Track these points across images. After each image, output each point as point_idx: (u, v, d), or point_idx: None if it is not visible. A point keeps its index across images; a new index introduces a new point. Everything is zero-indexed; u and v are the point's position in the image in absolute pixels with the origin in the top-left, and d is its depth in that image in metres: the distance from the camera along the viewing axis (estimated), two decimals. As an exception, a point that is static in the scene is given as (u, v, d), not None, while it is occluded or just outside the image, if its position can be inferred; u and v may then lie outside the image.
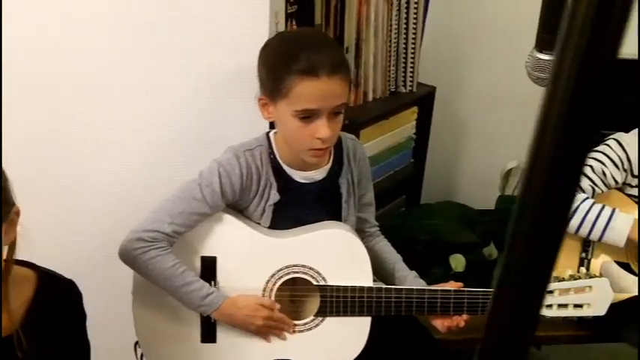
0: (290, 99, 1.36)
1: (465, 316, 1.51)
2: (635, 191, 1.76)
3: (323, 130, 1.37)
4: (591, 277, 1.51)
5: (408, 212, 2.39)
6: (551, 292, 1.50)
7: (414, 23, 2.17)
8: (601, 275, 1.53)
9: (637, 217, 1.71)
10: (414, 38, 2.20)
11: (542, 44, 1.33)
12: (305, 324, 1.52)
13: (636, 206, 1.75)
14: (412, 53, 2.22)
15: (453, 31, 2.52)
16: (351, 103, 2.12)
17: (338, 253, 1.49)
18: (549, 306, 1.51)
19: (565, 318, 1.54)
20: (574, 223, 1.67)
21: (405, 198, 2.48)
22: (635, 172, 1.75)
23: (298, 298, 1.54)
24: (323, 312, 1.50)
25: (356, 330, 1.52)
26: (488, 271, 2.08)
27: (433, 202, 2.55)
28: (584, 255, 1.75)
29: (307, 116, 1.37)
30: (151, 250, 1.38)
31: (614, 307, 1.65)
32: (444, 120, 2.63)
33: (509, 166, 2.28)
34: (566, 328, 1.93)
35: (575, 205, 1.66)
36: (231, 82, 1.65)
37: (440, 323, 1.54)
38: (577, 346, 2.33)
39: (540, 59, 1.33)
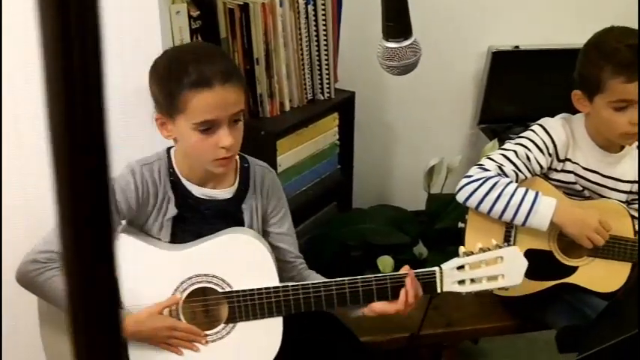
0: (187, 113, 1.38)
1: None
2: (560, 175, 1.78)
3: (225, 139, 1.39)
4: (500, 247, 1.51)
5: (338, 218, 2.39)
6: (462, 267, 1.50)
7: (324, 31, 2.20)
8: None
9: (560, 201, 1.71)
10: (325, 45, 2.22)
11: (388, 33, 1.35)
12: (217, 333, 1.52)
13: (557, 193, 1.76)
14: (326, 60, 2.24)
15: (369, 34, 2.53)
16: (268, 114, 2.13)
17: (239, 258, 1.50)
18: (462, 282, 1.51)
19: (481, 292, 1.53)
20: (498, 207, 1.68)
21: (336, 204, 2.49)
22: (561, 157, 1.76)
23: (208, 308, 1.53)
24: (233, 318, 1.50)
25: (269, 332, 1.52)
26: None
27: (366, 207, 2.57)
28: (506, 244, 1.74)
29: (207, 128, 1.39)
30: (46, 271, 1.38)
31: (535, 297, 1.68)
32: (369, 123, 2.66)
33: (431, 164, 2.30)
34: (498, 319, 1.94)
35: (499, 189, 1.67)
36: (124, 102, 1.66)
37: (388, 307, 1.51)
38: (522, 338, 2.36)
39: (388, 48, 1.35)
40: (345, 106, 2.36)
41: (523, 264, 1.53)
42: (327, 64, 2.25)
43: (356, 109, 2.49)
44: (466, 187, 1.70)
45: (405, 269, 1.54)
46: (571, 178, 1.76)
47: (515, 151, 1.73)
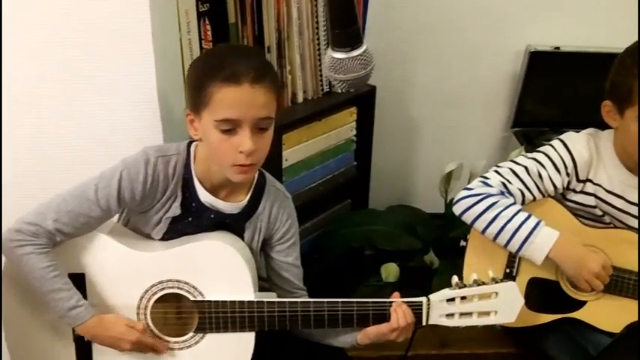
0: (211, 107, 1.31)
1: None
2: (579, 197, 1.62)
3: (246, 142, 1.31)
4: (497, 282, 1.40)
5: (348, 217, 2.28)
6: (452, 299, 1.40)
7: (344, 20, 2.06)
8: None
9: (566, 231, 1.56)
10: (345, 36, 2.09)
11: (334, 41, 1.21)
12: (184, 341, 1.45)
13: (570, 219, 1.60)
14: (345, 51, 2.11)
15: (397, 27, 2.41)
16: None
17: (213, 266, 1.42)
18: (450, 315, 1.41)
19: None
20: (492, 229, 1.54)
21: (351, 202, 2.38)
22: (582, 177, 1.60)
23: (177, 315, 1.46)
24: (202, 328, 1.43)
25: (239, 346, 1.44)
26: (426, 280, 1.97)
27: (383, 207, 2.45)
28: (508, 271, 1.61)
29: (229, 128, 1.31)
30: (27, 245, 1.33)
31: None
32: (392, 120, 2.53)
33: (448, 169, 2.16)
34: (498, 345, 1.81)
35: (497, 210, 1.53)
36: (111, 86, 1.60)
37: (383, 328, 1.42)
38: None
39: (334, 58, 1.21)
40: (364, 100, 2.23)
41: (519, 301, 1.41)
42: (345, 56, 2.12)
43: (378, 104, 2.36)
44: (463, 200, 1.56)
45: (394, 296, 1.44)
46: (591, 201, 1.60)
47: (526, 167, 1.58)
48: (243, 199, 1.47)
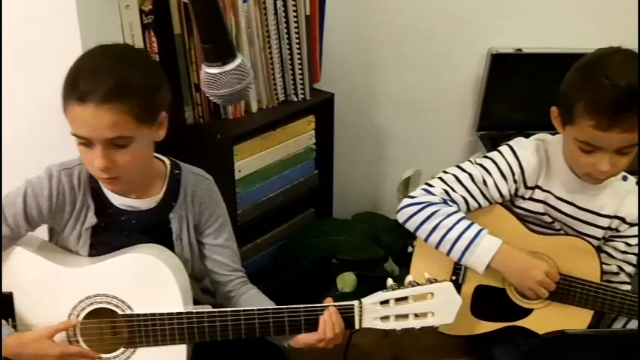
0: (69, 121, 1.30)
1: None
2: (528, 204, 1.58)
3: (97, 160, 1.29)
4: (432, 282, 1.37)
5: (311, 227, 2.25)
6: (386, 302, 1.37)
7: (296, 28, 2.04)
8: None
9: (513, 238, 1.53)
10: (298, 44, 2.07)
11: (206, 56, 1.17)
12: (116, 357, 1.43)
13: (518, 225, 1.57)
14: (299, 60, 2.09)
15: (360, 34, 2.38)
16: (230, 115, 2.01)
17: (140, 279, 1.40)
18: (385, 318, 1.38)
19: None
20: (434, 239, 1.51)
21: (314, 211, 2.35)
22: (530, 184, 1.56)
23: (108, 330, 1.44)
24: (132, 342, 1.41)
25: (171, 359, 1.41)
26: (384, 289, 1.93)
27: (350, 215, 2.42)
28: (454, 278, 1.58)
29: (85, 143, 1.29)
30: None
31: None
32: (359, 127, 2.51)
33: (405, 175, 2.12)
34: (455, 354, 1.77)
35: (437, 219, 1.50)
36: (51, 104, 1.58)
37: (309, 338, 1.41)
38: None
39: (208, 73, 1.17)
40: (322, 108, 2.20)
41: (456, 301, 1.38)
42: (300, 64, 2.10)
43: (342, 112, 2.34)
44: (405, 209, 1.53)
45: (327, 301, 1.41)
46: (540, 208, 1.56)
47: (470, 174, 1.54)
48: (159, 193, 1.45)
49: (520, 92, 2.36)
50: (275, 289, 1.86)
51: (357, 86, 2.46)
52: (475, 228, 1.48)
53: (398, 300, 1.37)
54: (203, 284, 1.65)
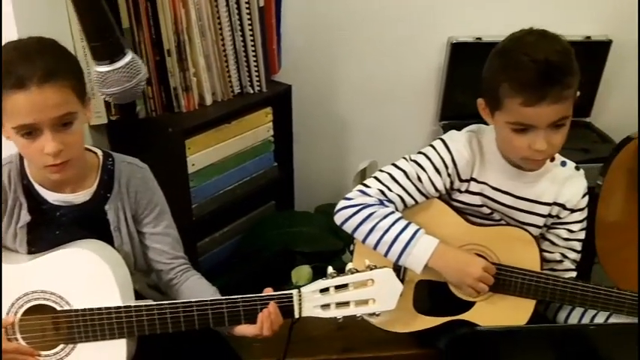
0: (8, 116, 1.28)
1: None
2: (465, 197, 1.56)
3: (48, 145, 1.28)
4: (372, 269, 1.36)
5: (270, 219, 2.24)
6: (326, 289, 1.36)
7: (249, 20, 2.03)
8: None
9: (452, 232, 1.52)
10: (251, 35, 2.05)
11: (94, 55, 1.16)
12: (56, 353, 1.42)
13: (457, 219, 1.55)
14: (253, 52, 2.08)
15: (317, 25, 2.37)
16: (184, 109, 2.00)
17: (78, 274, 1.38)
18: (326, 306, 1.37)
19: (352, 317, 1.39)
20: (371, 240, 1.50)
21: (275, 204, 2.34)
22: (464, 177, 1.54)
23: (47, 327, 1.43)
24: (72, 338, 1.40)
25: (111, 354, 1.40)
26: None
27: (312, 207, 2.42)
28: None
29: (28, 132, 1.28)
30: None
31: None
32: (320, 118, 2.50)
33: (361, 167, 2.11)
34: (407, 346, 1.76)
35: (373, 221, 1.49)
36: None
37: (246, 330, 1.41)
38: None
39: (98, 72, 1.16)
40: (280, 100, 2.19)
41: (397, 287, 1.37)
42: (254, 56, 2.08)
43: (302, 103, 2.34)
44: (342, 211, 1.52)
45: (266, 291, 1.41)
46: (477, 200, 1.55)
47: (405, 171, 1.53)
48: (92, 185, 1.44)
49: (481, 81, 2.34)
50: (234, 283, 1.86)
51: (317, 77, 2.45)
52: (411, 229, 1.47)
53: (338, 287, 1.36)
54: (150, 279, 1.64)
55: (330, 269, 1.39)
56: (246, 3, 2.01)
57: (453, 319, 1.54)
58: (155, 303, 1.40)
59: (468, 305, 1.54)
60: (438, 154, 1.52)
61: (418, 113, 2.51)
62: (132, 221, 1.50)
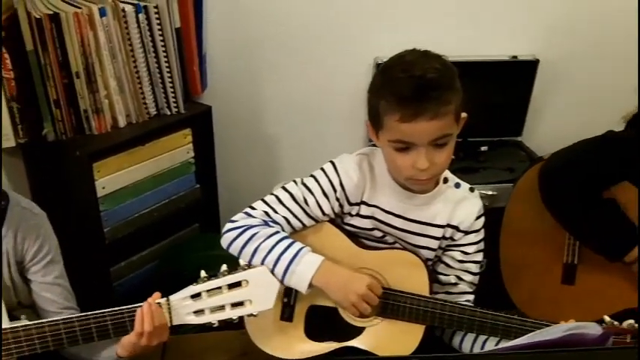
0: None
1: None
2: (356, 221, 1.54)
3: None
4: (244, 269, 1.34)
5: (188, 243, 2.21)
6: (197, 295, 1.34)
7: (162, 41, 2.01)
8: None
9: (342, 256, 1.49)
10: (166, 57, 2.04)
11: None
12: None
13: (346, 242, 1.52)
14: (169, 73, 2.06)
15: (247, 46, 2.37)
16: (95, 131, 1.98)
17: None
18: (199, 312, 1.35)
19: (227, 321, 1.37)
20: (256, 262, 1.47)
21: (199, 226, 2.31)
22: (353, 200, 1.51)
23: None
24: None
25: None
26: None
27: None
28: (286, 300, 1.53)
29: None
30: None
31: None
32: (249, 138, 2.48)
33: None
34: None
35: (257, 242, 1.46)
36: None
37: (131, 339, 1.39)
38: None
39: None
40: (199, 121, 2.17)
41: (274, 285, 1.36)
42: (170, 77, 2.07)
43: (232, 123, 2.35)
44: (227, 234, 1.50)
45: (154, 297, 1.40)
46: (368, 224, 1.53)
47: (291, 194, 1.51)
48: None
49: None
50: None
51: (244, 96, 2.44)
52: (295, 247, 1.45)
53: (211, 291, 1.34)
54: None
55: (202, 273, 1.36)
56: (158, 25, 1.99)
57: (342, 346, 1.51)
58: (21, 325, 1.37)
59: (358, 331, 1.51)
60: (327, 177, 1.51)
61: (350, 132, 2.49)
62: (15, 268, 1.47)
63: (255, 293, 1.34)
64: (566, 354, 1.10)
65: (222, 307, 1.35)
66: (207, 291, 1.34)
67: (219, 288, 1.33)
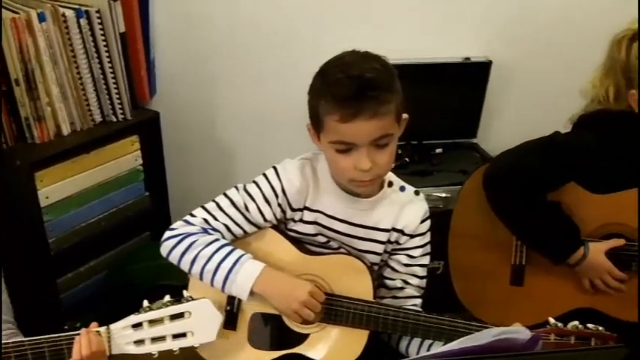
0: None
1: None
2: (299, 227, 1.50)
3: None
4: (188, 300, 1.32)
5: (136, 252, 2.17)
6: (139, 324, 1.31)
7: (106, 47, 1.97)
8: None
9: (285, 262, 1.47)
10: (110, 63, 1.99)
11: None
12: None
13: (290, 248, 1.49)
14: (113, 79, 2.02)
15: (198, 52, 2.34)
16: (37, 139, 1.93)
17: None
18: (139, 342, 1.32)
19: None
20: (195, 271, 1.44)
21: (150, 234, 2.27)
22: (296, 206, 1.48)
23: None
24: None
25: None
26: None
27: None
28: (229, 308, 1.50)
29: None
30: None
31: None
32: (204, 145, 2.45)
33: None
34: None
35: (196, 250, 1.43)
36: None
37: None
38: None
39: None
40: (147, 127, 2.13)
41: (216, 318, 1.33)
42: (115, 83, 2.03)
43: (183, 129, 2.31)
44: (166, 242, 1.47)
45: (92, 326, 1.34)
46: (311, 229, 1.50)
47: (232, 200, 1.48)
48: None
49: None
50: (100, 321, 1.78)
51: (196, 103, 2.41)
52: (235, 255, 1.41)
53: (152, 322, 1.31)
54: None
55: (145, 303, 1.34)
56: (101, 29, 1.95)
57: (287, 353, 1.48)
58: None
59: (303, 338, 1.48)
60: (269, 183, 1.48)
61: (303, 137, 2.45)
62: None
63: (198, 325, 1.32)
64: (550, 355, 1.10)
65: (163, 338, 1.32)
66: (149, 321, 1.31)
67: (162, 319, 1.31)
